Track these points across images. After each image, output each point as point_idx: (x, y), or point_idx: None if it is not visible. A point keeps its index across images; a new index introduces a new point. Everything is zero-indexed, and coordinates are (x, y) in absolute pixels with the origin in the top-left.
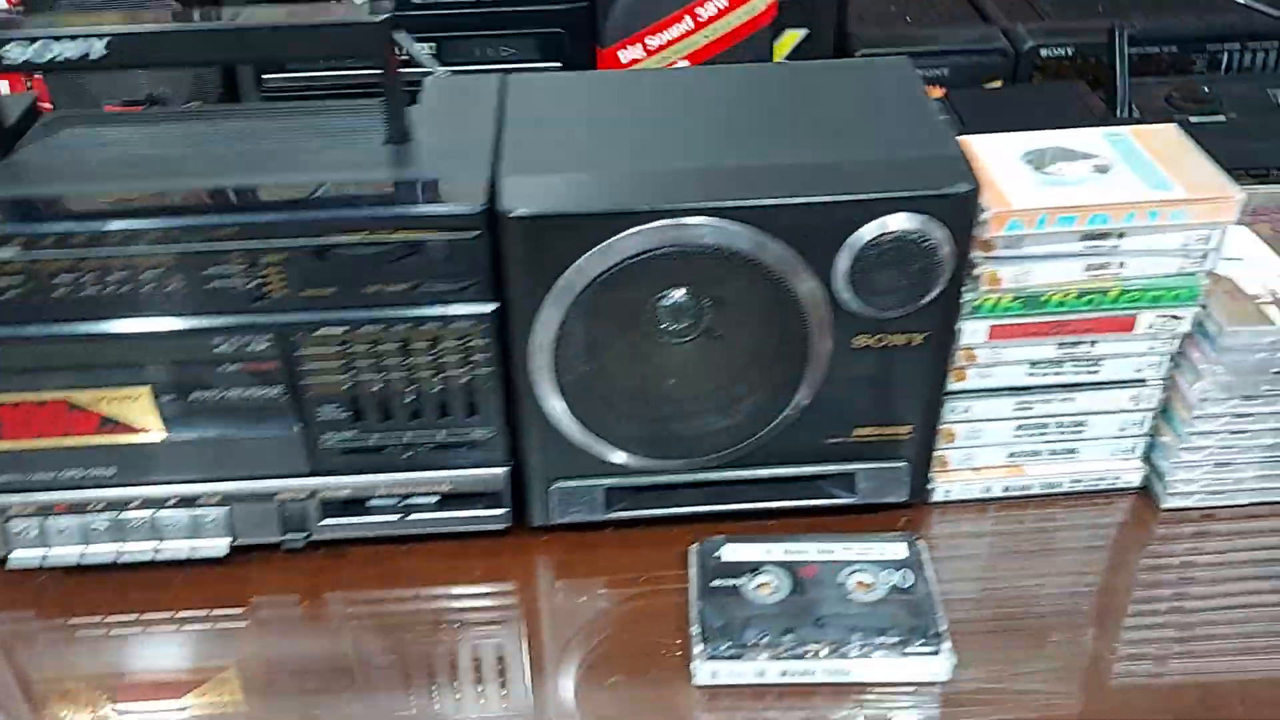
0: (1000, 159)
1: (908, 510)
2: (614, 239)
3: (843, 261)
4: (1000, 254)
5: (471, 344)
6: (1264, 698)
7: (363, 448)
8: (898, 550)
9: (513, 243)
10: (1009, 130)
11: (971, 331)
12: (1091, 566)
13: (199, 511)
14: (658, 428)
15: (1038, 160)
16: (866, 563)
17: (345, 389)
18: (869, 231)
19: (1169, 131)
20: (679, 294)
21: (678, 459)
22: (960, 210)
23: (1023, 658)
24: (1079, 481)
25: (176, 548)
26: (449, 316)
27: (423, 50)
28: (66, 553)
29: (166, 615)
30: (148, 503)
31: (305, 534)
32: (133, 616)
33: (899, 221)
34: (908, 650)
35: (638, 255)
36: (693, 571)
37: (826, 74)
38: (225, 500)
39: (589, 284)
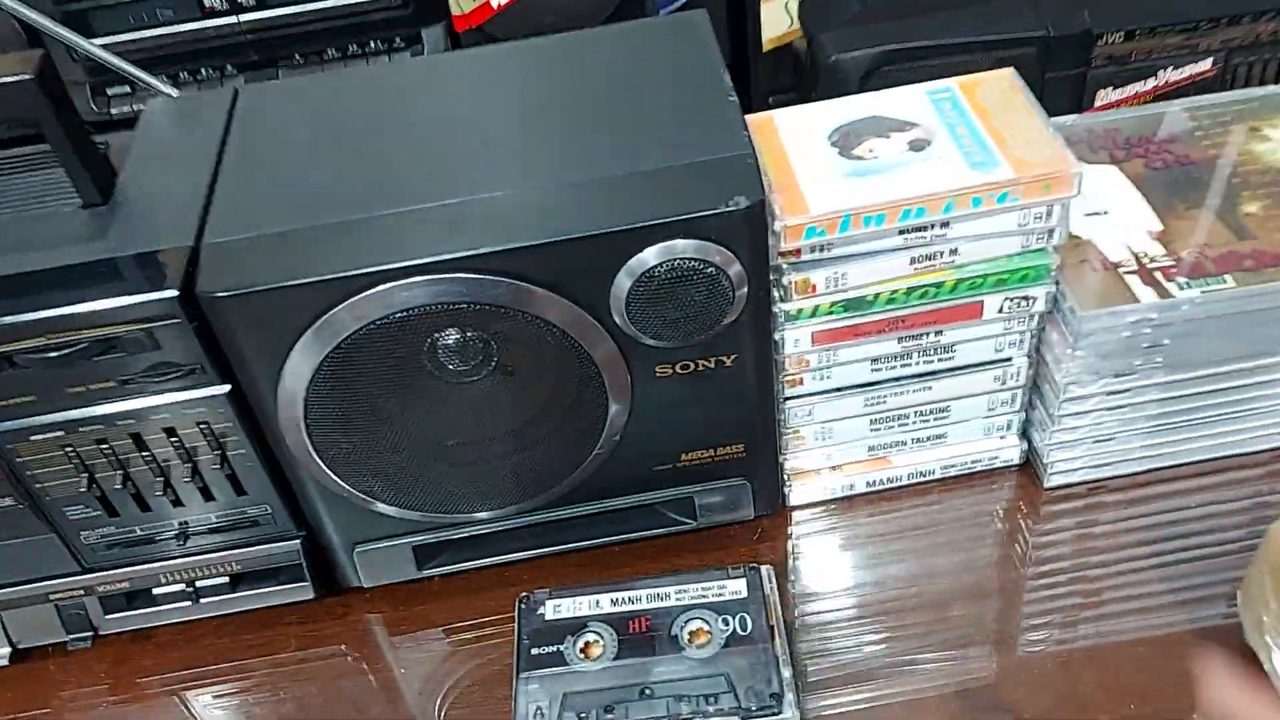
0: (802, 143)
1: (765, 520)
2: (336, 310)
3: (615, 302)
4: (808, 259)
5: (213, 428)
6: (1174, 653)
7: (130, 539)
8: (737, 588)
9: (221, 325)
10: None
11: (794, 341)
12: (983, 544)
13: None
14: (455, 479)
15: (845, 140)
16: (703, 606)
17: (83, 490)
18: (637, 265)
19: (1002, 81)
20: (453, 336)
21: (483, 510)
22: (744, 227)
23: (926, 631)
24: (951, 467)
25: None
26: (178, 404)
27: (133, 68)
28: None
29: None
30: None
31: (90, 633)
32: None
33: (670, 250)
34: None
35: (370, 324)
36: (515, 636)
37: (607, 45)
38: None
39: (324, 358)
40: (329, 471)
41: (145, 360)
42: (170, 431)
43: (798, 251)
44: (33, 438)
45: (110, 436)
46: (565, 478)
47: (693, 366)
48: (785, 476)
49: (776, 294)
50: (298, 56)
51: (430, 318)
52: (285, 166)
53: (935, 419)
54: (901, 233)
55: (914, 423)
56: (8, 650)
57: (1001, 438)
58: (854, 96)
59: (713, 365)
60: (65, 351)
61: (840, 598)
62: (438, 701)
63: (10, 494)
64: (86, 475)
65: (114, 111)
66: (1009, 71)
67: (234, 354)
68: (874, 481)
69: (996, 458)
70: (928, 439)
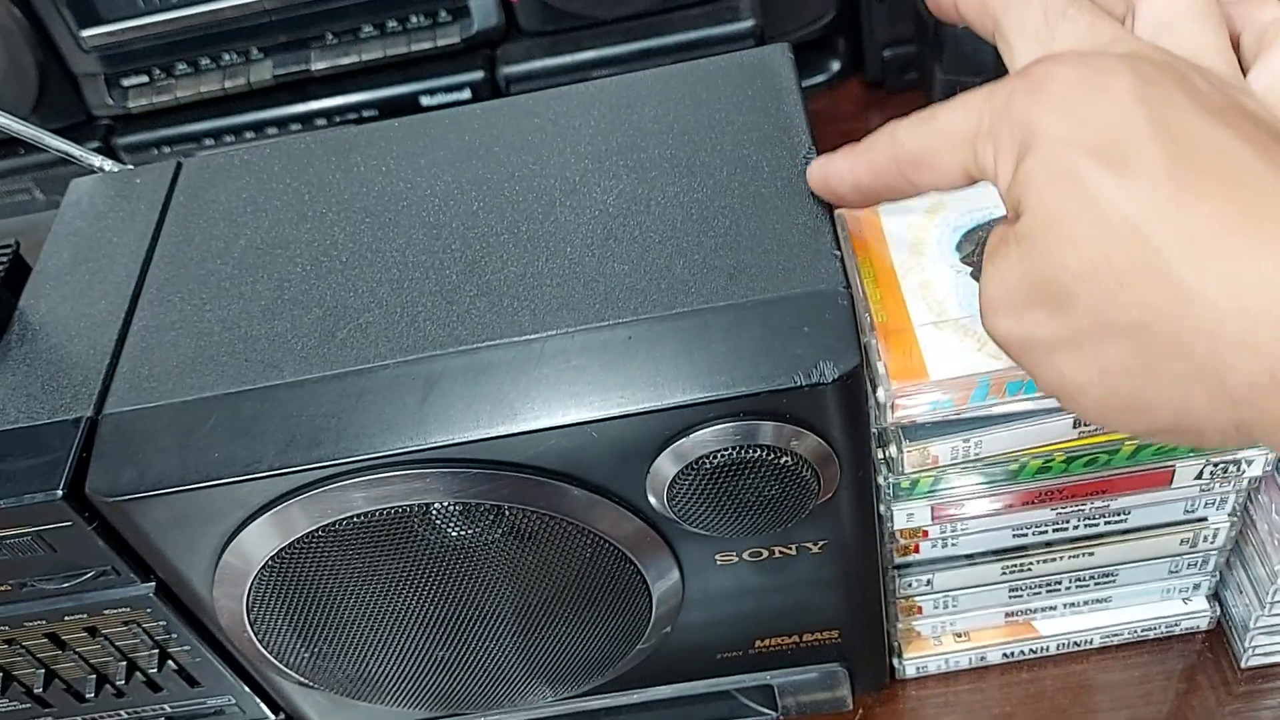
0: (919, 257)
1: (867, 698)
2: (276, 510)
3: (655, 487)
4: (927, 424)
5: (144, 626)
6: None
7: None
8: None
9: (124, 528)
10: None
11: (906, 516)
12: (1149, 712)
13: None
14: (461, 673)
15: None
16: None
17: (2, 689)
18: (681, 452)
19: None
20: (448, 503)
21: (497, 707)
22: (833, 404)
23: None
24: (1116, 635)
25: None
26: (92, 604)
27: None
28: None
29: None
30: None
31: None
32: None
33: (730, 435)
34: None
35: (323, 526)
36: None
37: (657, 104)
38: None
39: (264, 563)
40: (293, 675)
41: (42, 563)
42: (92, 631)
43: (912, 419)
44: None
45: (20, 637)
46: (600, 673)
47: (766, 554)
48: (895, 644)
49: (881, 457)
50: (330, 36)
51: (401, 516)
52: (225, 290)
53: (1097, 584)
54: None
55: (1069, 588)
56: None
57: (1186, 601)
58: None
59: (793, 552)
60: None
61: None
62: None
63: None
64: (1, 674)
65: (131, 105)
66: None
67: (151, 555)
68: (1012, 653)
69: (1177, 624)
70: (1085, 604)
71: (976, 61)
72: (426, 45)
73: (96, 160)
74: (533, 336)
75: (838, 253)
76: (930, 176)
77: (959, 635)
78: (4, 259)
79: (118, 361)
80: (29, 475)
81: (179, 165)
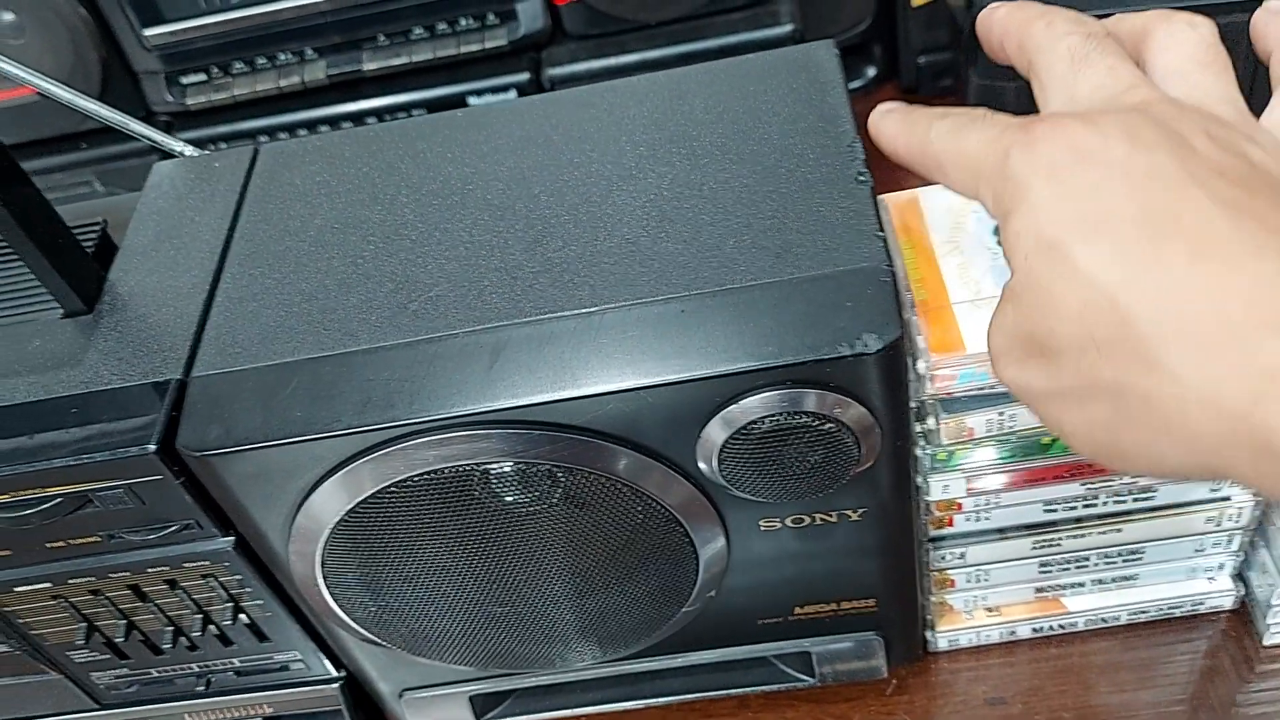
0: (958, 238)
1: (901, 669)
2: (351, 468)
3: (705, 453)
4: (963, 397)
5: (220, 580)
6: None
7: (148, 680)
8: None
9: (210, 482)
10: None
11: (942, 488)
12: (1174, 691)
13: None
14: (511, 633)
15: None
16: None
17: (84, 639)
18: (730, 418)
19: None
20: (509, 465)
21: (544, 666)
22: (875, 374)
23: None
24: (1142, 612)
25: None
26: (174, 557)
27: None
28: None
29: None
30: None
31: None
32: None
33: (777, 402)
34: None
35: (394, 483)
36: None
37: (706, 97)
38: None
39: (339, 518)
40: (359, 629)
41: (131, 515)
42: (173, 584)
43: (949, 391)
44: (17, 589)
45: (105, 588)
46: (647, 635)
47: (808, 520)
48: (928, 618)
49: (919, 430)
50: (382, 37)
51: (466, 475)
52: (302, 265)
53: (1125, 561)
54: None
55: (1097, 564)
56: None
57: (1210, 579)
58: None
59: (834, 519)
60: (32, 510)
61: None
62: None
63: (10, 638)
64: (85, 624)
65: (190, 102)
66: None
67: (232, 509)
68: (1042, 627)
69: (1202, 603)
70: (1113, 581)
71: (1011, 66)
72: (474, 47)
73: (177, 145)
74: (592, 309)
75: (881, 234)
76: (947, 183)
77: (990, 610)
78: (93, 235)
79: (204, 329)
80: (123, 431)
81: (256, 150)
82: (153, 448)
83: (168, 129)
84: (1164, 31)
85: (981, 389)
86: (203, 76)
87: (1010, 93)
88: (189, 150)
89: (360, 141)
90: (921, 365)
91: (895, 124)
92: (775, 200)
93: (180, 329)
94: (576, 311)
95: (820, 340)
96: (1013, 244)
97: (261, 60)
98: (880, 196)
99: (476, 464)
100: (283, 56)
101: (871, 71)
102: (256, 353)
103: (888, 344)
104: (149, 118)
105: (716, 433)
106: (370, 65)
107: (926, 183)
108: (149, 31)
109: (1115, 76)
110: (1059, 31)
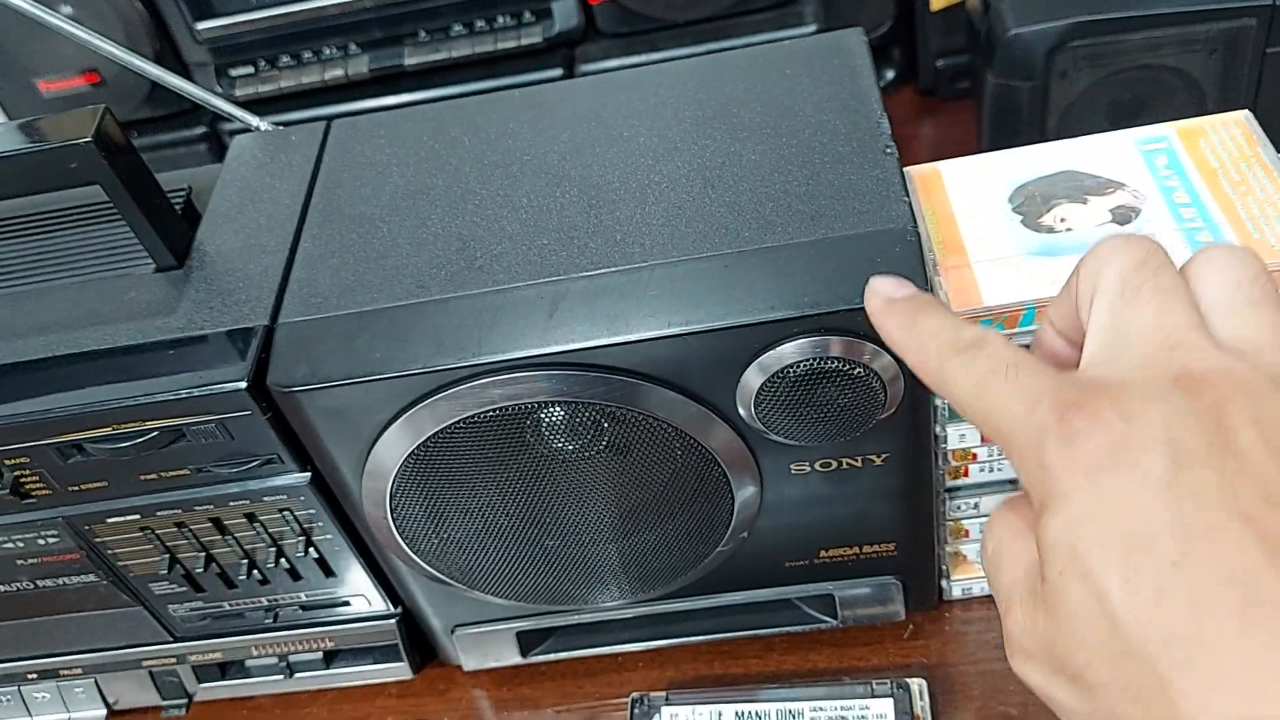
0: (977, 206)
1: (918, 615)
2: (422, 405)
3: (744, 398)
4: None
5: (296, 514)
6: None
7: (220, 614)
8: (882, 709)
9: (295, 418)
10: None
11: (959, 437)
12: None
13: (65, 684)
14: (559, 569)
15: (1031, 203)
16: None
17: (166, 570)
18: (771, 360)
19: (1233, 127)
20: (559, 413)
21: (586, 602)
22: None
23: None
24: None
25: None
26: (255, 492)
27: (217, 98)
28: None
29: None
30: (7, 678)
31: (185, 700)
32: None
33: (811, 347)
34: None
35: (461, 420)
36: None
37: (741, 79)
38: (89, 671)
39: (410, 452)
40: (420, 561)
41: (218, 450)
42: (251, 517)
43: None
44: (109, 519)
45: (189, 520)
46: (682, 574)
47: (834, 464)
48: (943, 567)
49: None
50: (422, 33)
51: (528, 413)
52: (376, 225)
53: None
54: None
55: None
56: (104, 712)
57: None
58: (1042, 146)
59: (859, 464)
60: (132, 442)
61: (1002, 706)
62: None
63: (92, 571)
64: (168, 556)
65: (238, 93)
66: (1242, 115)
67: (312, 445)
68: None
69: None
70: None
71: (1027, 66)
72: (511, 44)
73: (254, 120)
74: (642, 265)
75: (906, 199)
76: (959, 411)
77: None
78: (180, 197)
79: (287, 282)
80: (216, 370)
81: (328, 125)
82: (244, 385)
83: (215, 119)
84: (1211, 261)
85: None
86: (250, 69)
87: (1025, 93)
88: (265, 125)
89: (424, 118)
90: None
91: (898, 326)
92: (809, 170)
93: (265, 282)
94: (628, 267)
95: (850, 291)
96: (1048, 549)
97: (307, 54)
98: (905, 169)
99: (537, 402)
100: (327, 51)
101: (890, 74)
102: (337, 303)
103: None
104: (198, 109)
105: (754, 377)
106: (411, 60)
107: (948, 157)
108: (200, 25)
109: (1161, 321)
110: (1116, 247)
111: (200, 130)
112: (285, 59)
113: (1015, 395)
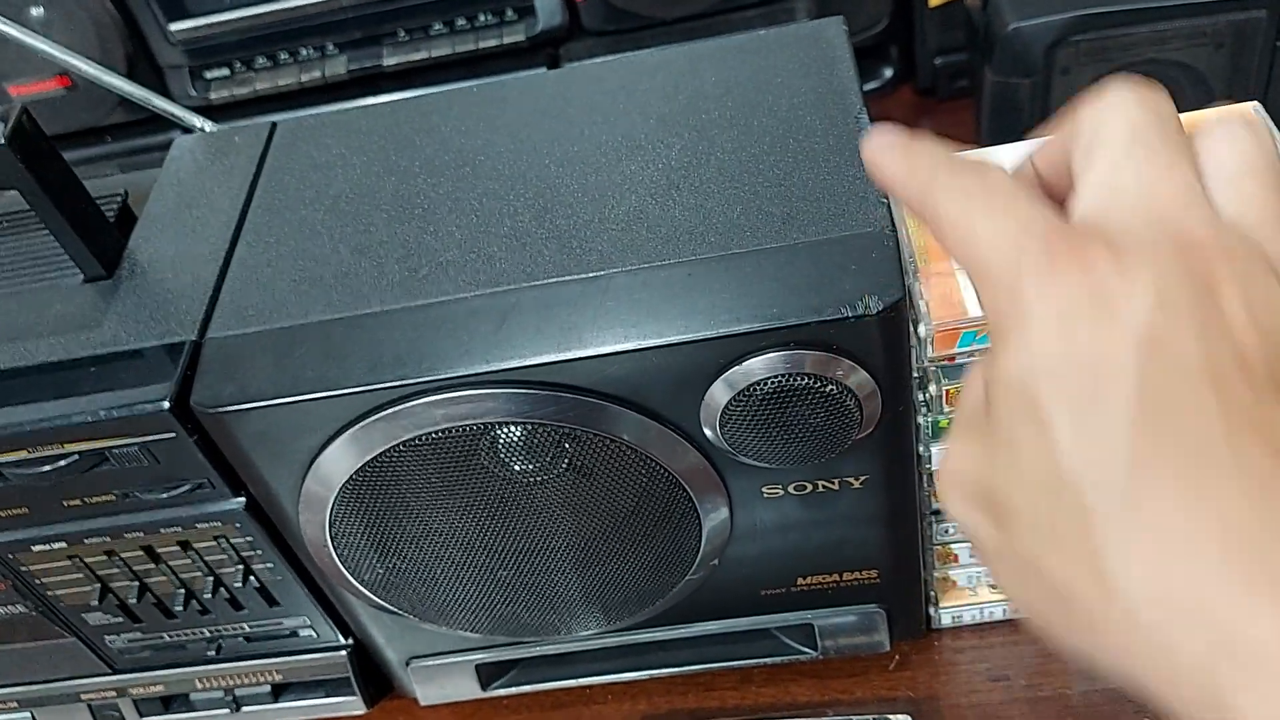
0: None
1: (904, 645)
2: (359, 426)
3: (708, 417)
4: (965, 363)
5: (231, 542)
6: None
7: (160, 645)
8: None
9: (222, 440)
10: None
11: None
12: None
13: (1, 718)
14: (517, 601)
15: None
16: None
17: (98, 600)
18: (737, 377)
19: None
20: (516, 433)
21: (548, 633)
22: (877, 336)
23: None
24: None
25: None
26: (187, 518)
27: (163, 101)
28: None
29: None
30: None
31: None
32: None
33: (780, 363)
34: None
35: (402, 443)
36: None
37: (714, 70)
38: (25, 704)
39: (348, 477)
40: (367, 592)
41: (145, 474)
42: (185, 545)
43: (951, 357)
44: (34, 548)
45: (119, 549)
46: (651, 603)
47: (810, 487)
48: (931, 594)
49: (921, 399)
50: (402, 33)
51: (479, 435)
52: (316, 232)
53: None
54: None
55: None
56: None
57: None
58: (1031, 142)
59: (836, 487)
60: (50, 467)
61: None
62: None
63: (19, 602)
64: (99, 585)
65: (213, 96)
66: (1251, 107)
67: (244, 469)
68: None
69: None
70: None
71: (1026, 62)
72: (493, 42)
73: (197, 121)
74: (599, 273)
75: (884, 200)
76: (942, 244)
77: (994, 586)
78: (114, 205)
79: (219, 294)
80: (138, 390)
81: (274, 125)
82: (166, 405)
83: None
84: (1220, 130)
85: (984, 352)
86: (226, 71)
87: (1026, 90)
88: (208, 126)
89: (376, 116)
90: (923, 329)
91: (896, 160)
92: (782, 169)
93: (196, 293)
94: (583, 275)
95: (823, 302)
96: (997, 377)
97: (283, 55)
98: None
99: (484, 423)
100: (304, 51)
101: (888, 72)
102: (270, 315)
103: (889, 305)
104: None
105: (720, 395)
106: (390, 60)
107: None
108: (174, 26)
109: (1173, 178)
110: (1126, 98)
111: (176, 133)
112: (261, 60)
113: (1004, 225)
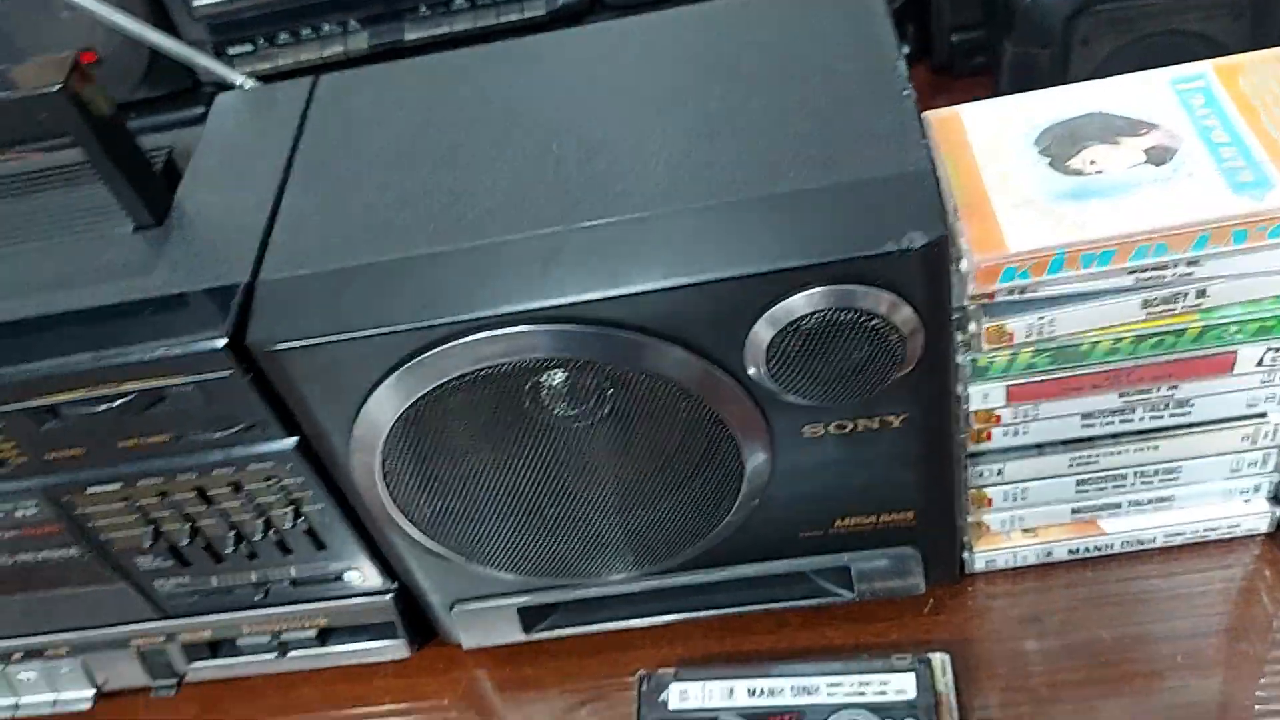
0: (1000, 149)
1: (938, 589)
2: (411, 364)
3: (753, 354)
4: (1004, 302)
5: (283, 483)
6: None
7: (208, 590)
8: (903, 685)
9: (278, 378)
10: None
11: (982, 396)
12: (1209, 620)
13: (51, 664)
14: (560, 542)
15: (1058, 146)
16: (861, 707)
17: (150, 542)
18: (782, 313)
19: (1274, 63)
20: (559, 377)
21: (590, 576)
22: (920, 271)
23: (1134, 705)
24: (1178, 534)
25: (37, 702)
26: (240, 459)
27: (199, 55)
28: None
29: None
30: None
31: (175, 680)
32: None
33: (824, 298)
34: None
35: (453, 379)
36: None
37: (752, 22)
38: (75, 650)
39: (400, 414)
40: (415, 532)
41: (200, 414)
42: (236, 486)
43: (990, 294)
44: (89, 490)
45: (172, 490)
46: (689, 545)
47: (850, 426)
48: (965, 539)
49: (960, 339)
50: (423, 8)
51: (523, 373)
52: (361, 182)
53: (1161, 481)
54: (1132, 272)
55: (1133, 484)
56: (92, 693)
57: (1246, 501)
58: (1069, 87)
59: (876, 425)
60: (109, 406)
61: (1028, 682)
62: None
63: (73, 544)
64: (151, 528)
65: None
66: None
67: (297, 407)
68: (1078, 549)
69: (1238, 525)
70: (1149, 502)
71: (1046, 32)
72: (514, 17)
73: (238, 78)
74: (643, 215)
75: (925, 141)
76: None
77: (1027, 531)
78: (160, 157)
79: (269, 239)
80: (194, 329)
81: (316, 80)
82: (223, 343)
83: (211, 98)
84: None
85: (1024, 289)
86: (249, 47)
87: (1044, 61)
88: (249, 83)
89: (416, 71)
90: (965, 264)
91: None
92: (822, 115)
93: (246, 239)
94: (628, 217)
95: (867, 238)
96: None
97: (306, 30)
98: (923, 114)
99: (530, 360)
100: (326, 27)
101: (904, 50)
102: (320, 259)
103: (933, 240)
104: (196, 87)
105: (764, 332)
106: (411, 35)
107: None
108: (197, 1)
109: None
110: None
111: (199, 110)
112: (284, 36)
113: None
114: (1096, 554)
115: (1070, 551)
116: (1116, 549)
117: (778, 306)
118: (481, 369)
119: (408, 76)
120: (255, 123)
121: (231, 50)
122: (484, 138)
